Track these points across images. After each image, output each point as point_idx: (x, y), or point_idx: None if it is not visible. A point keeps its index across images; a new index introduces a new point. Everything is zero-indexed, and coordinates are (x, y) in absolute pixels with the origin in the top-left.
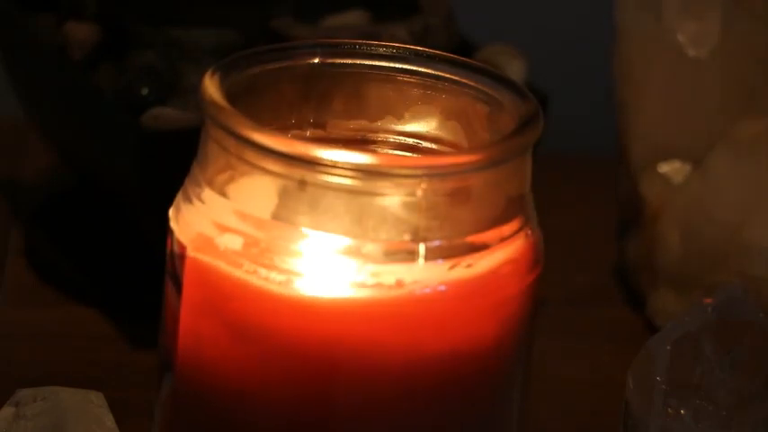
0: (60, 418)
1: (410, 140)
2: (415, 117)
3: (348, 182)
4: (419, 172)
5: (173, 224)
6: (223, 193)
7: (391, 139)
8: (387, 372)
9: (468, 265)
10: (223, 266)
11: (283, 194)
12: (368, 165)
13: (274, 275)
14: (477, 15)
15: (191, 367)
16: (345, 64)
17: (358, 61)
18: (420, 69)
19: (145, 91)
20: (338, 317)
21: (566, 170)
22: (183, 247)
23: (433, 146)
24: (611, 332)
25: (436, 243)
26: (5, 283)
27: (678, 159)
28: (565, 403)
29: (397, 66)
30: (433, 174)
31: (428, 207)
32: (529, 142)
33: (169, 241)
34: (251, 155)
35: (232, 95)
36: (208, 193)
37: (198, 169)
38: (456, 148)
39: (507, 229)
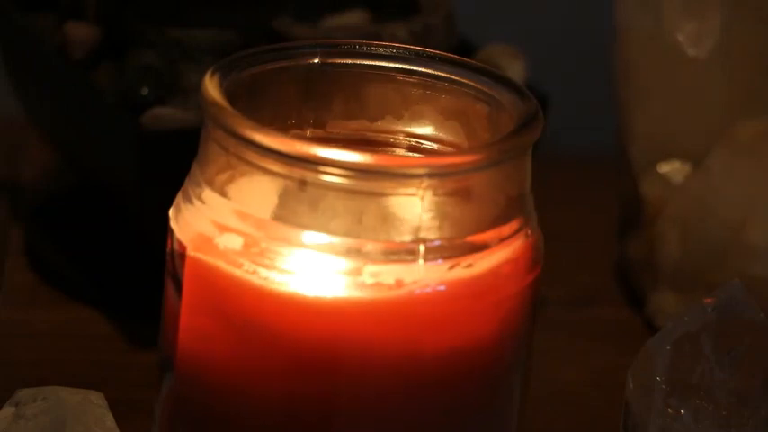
0: (60, 418)
1: (410, 140)
2: (415, 117)
3: (348, 182)
4: (419, 172)
5: (173, 224)
6: (223, 193)
7: (391, 139)
8: (386, 371)
9: (468, 265)
10: (223, 266)
11: (283, 194)
12: (368, 165)
13: (274, 275)
14: (477, 15)
15: (191, 367)
16: (345, 64)
17: (358, 61)
18: (420, 69)
19: (145, 91)
20: (338, 317)
21: (566, 170)
22: (183, 247)
23: (434, 146)
24: (611, 332)
25: (436, 243)
26: (5, 283)
27: (678, 159)
28: (565, 403)
29: (397, 66)
30: (433, 174)
31: (428, 207)
32: (529, 142)
33: (169, 241)
34: (251, 155)
35: (232, 95)
36: (208, 193)
37: (198, 169)
38: (456, 148)
39: (507, 229)
